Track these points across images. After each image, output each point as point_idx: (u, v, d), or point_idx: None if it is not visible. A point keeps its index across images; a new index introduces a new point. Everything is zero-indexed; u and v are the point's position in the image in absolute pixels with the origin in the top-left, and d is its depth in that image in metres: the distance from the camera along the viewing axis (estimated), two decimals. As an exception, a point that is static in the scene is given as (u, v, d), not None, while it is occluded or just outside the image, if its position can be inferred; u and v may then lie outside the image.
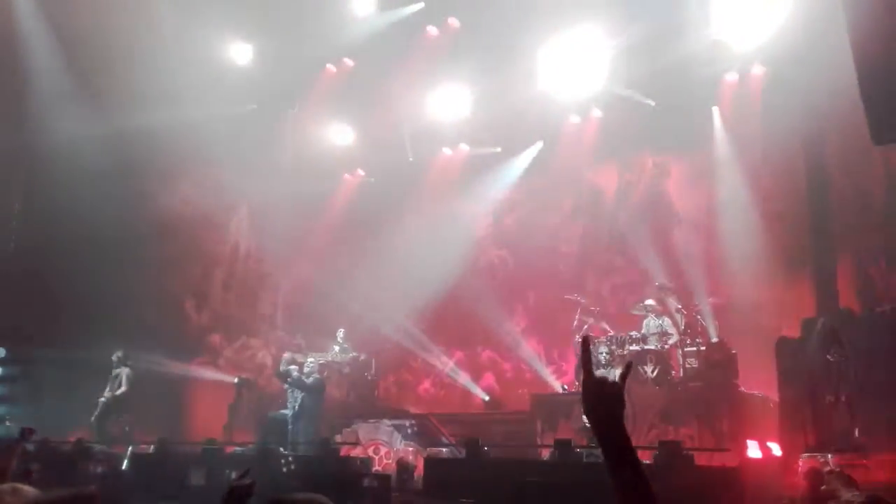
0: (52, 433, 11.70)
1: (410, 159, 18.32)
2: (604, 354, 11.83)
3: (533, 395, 13.89)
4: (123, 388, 13.26)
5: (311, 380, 12.31)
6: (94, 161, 13.64)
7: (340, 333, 16.02)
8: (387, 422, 13.31)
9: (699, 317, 13.13)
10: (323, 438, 10.78)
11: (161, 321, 15.29)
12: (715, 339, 12.64)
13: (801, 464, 8.92)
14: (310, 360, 13.03)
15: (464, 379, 17.67)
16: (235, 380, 16.05)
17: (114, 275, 14.39)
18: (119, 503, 9.48)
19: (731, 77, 14.69)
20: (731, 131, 14.98)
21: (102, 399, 13.24)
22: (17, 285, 13.36)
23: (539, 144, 17.39)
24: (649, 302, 13.19)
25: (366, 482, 8.83)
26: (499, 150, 17.80)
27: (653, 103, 15.23)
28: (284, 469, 9.51)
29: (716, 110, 15.17)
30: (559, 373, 16.50)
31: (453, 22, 15.36)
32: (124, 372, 13.41)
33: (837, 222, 13.63)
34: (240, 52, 15.78)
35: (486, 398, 17.07)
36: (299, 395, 12.32)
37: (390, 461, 12.17)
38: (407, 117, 16.64)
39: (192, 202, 16.20)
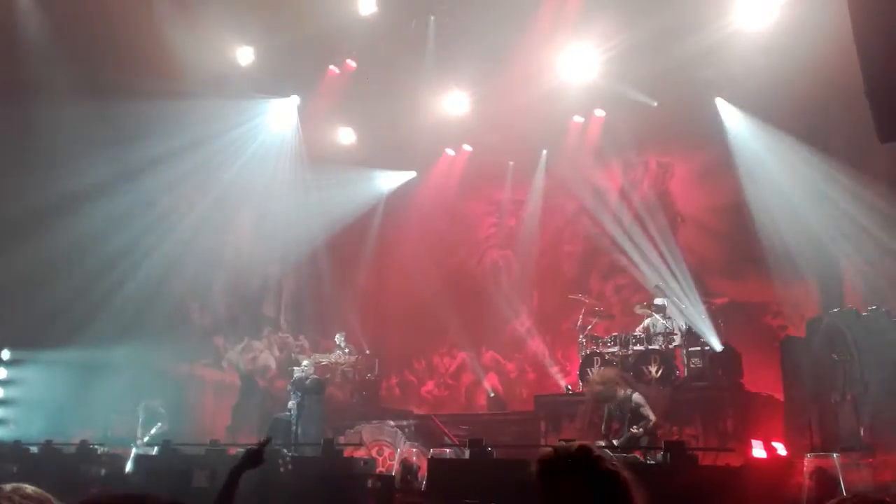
0: (56, 435, 11.70)
1: (414, 173, 18.41)
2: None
3: (537, 395, 13.86)
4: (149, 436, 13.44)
5: (308, 381, 12.30)
6: (94, 161, 13.65)
7: (340, 337, 16.02)
8: (390, 423, 13.29)
9: (703, 316, 13.10)
10: (327, 439, 10.75)
11: (164, 323, 15.27)
12: (719, 339, 12.60)
13: (806, 463, 8.88)
14: (304, 362, 13.02)
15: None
16: (239, 376, 16.09)
17: (117, 276, 14.40)
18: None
19: (734, 76, 14.63)
20: (734, 130, 14.93)
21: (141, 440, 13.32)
22: (20, 286, 13.36)
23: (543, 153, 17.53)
24: (656, 301, 13.15)
25: (369, 483, 8.82)
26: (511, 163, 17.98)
27: (655, 103, 15.20)
28: (282, 469, 9.48)
29: (719, 109, 15.12)
30: (563, 373, 16.47)
31: (452, 23, 15.30)
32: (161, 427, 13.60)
33: (842, 220, 13.58)
34: (242, 52, 15.74)
35: (492, 394, 17.09)
36: (300, 396, 12.31)
37: (394, 462, 12.16)
38: (408, 118, 16.59)
39: (193, 204, 16.19)
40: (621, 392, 9.68)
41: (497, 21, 14.23)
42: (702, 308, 13.25)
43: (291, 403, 12.65)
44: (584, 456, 2.63)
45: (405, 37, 15.43)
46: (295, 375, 12.84)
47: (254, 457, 4.05)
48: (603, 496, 2.55)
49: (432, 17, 15.26)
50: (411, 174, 18.74)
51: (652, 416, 9.50)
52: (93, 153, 13.78)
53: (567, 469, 2.61)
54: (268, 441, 4.22)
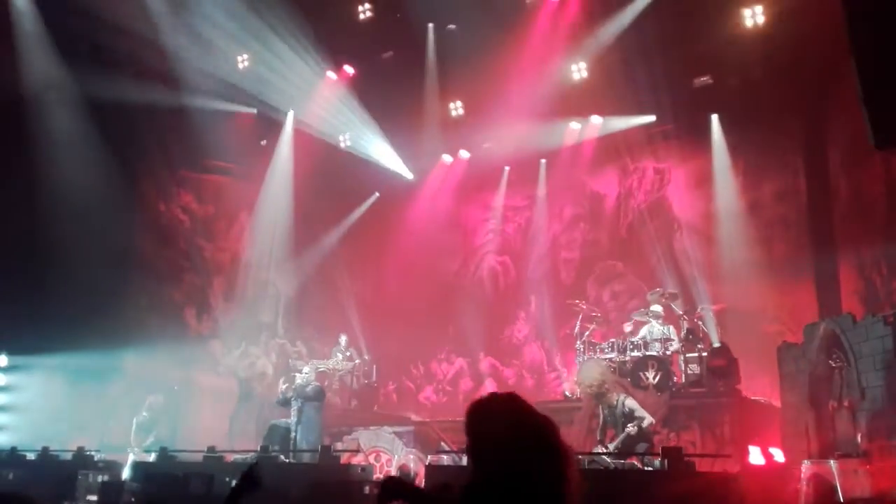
0: (53, 442, 11.67)
1: (411, 177, 18.40)
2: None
3: (535, 402, 13.80)
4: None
5: (310, 388, 12.28)
6: (94, 164, 13.66)
7: (342, 340, 16.10)
8: (388, 429, 13.26)
9: (701, 322, 13.12)
10: (324, 446, 10.73)
11: (161, 329, 15.25)
12: (717, 345, 12.61)
13: (803, 470, 8.88)
14: (305, 369, 13.00)
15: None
16: (237, 382, 16.10)
17: (115, 282, 14.38)
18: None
19: (731, 83, 14.66)
20: (731, 137, 14.98)
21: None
22: (17, 292, 13.33)
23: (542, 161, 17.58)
24: (653, 308, 13.16)
25: (367, 490, 8.79)
26: (508, 169, 17.97)
27: (653, 118, 15.29)
28: (283, 473, 9.47)
29: (715, 117, 15.15)
30: (561, 379, 16.47)
31: (450, 28, 15.34)
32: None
33: (839, 227, 13.61)
34: (241, 57, 15.76)
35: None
36: (300, 403, 12.30)
37: (392, 468, 12.12)
38: (405, 123, 16.61)
39: (191, 210, 16.20)
40: (614, 396, 9.70)
41: (495, 27, 14.27)
42: (699, 314, 13.28)
43: (292, 410, 12.62)
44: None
45: (403, 43, 15.48)
46: (296, 382, 12.80)
47: (251, 481, 3.51)
48: None
49: (430, 24, 15.32)
50: (408, 178, 18.71)
51: (648, 417, 9.51)
52: (90, 157, 13.79)
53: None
54: (256, 468, 3.65)
